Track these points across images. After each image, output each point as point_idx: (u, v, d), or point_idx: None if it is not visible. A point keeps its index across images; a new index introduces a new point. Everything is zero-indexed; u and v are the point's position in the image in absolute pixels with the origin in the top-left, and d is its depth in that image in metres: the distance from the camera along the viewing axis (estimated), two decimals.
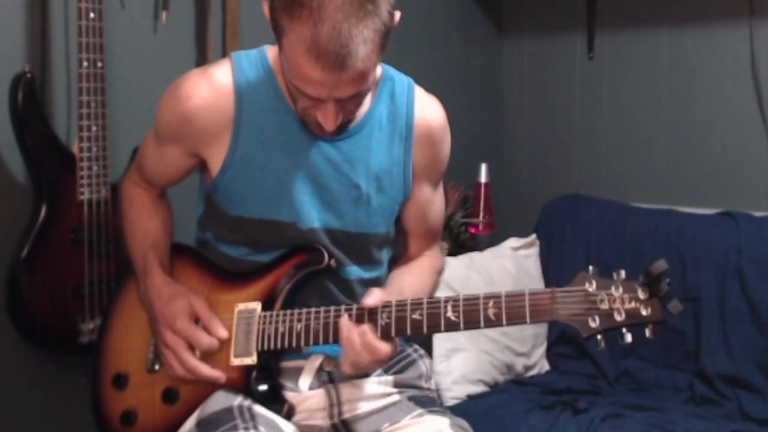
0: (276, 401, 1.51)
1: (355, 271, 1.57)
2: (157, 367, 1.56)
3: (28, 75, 1.93)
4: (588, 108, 3.09)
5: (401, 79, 1.57)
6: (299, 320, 1.47)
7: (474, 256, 2.71)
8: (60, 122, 2.07)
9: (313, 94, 1.36)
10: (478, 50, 3.23)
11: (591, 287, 1.31)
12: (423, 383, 1.64)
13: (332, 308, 1.45)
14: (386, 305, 1.41)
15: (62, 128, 2.07)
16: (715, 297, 2.49)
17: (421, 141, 1.57)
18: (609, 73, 3.03)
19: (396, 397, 1.58)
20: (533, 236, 2.86)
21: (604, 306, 1.30)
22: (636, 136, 2.99)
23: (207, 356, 1.50)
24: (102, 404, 1.61)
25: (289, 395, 1.54)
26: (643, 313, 1.29)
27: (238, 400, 1.48)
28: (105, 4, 1.95)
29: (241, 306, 1.52)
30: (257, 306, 1.51)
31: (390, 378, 1.60)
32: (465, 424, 1.55)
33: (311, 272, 1.52)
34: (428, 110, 1.58)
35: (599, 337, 1.31)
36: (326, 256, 1.51)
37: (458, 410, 1.94)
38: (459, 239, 2.93)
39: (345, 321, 1.42)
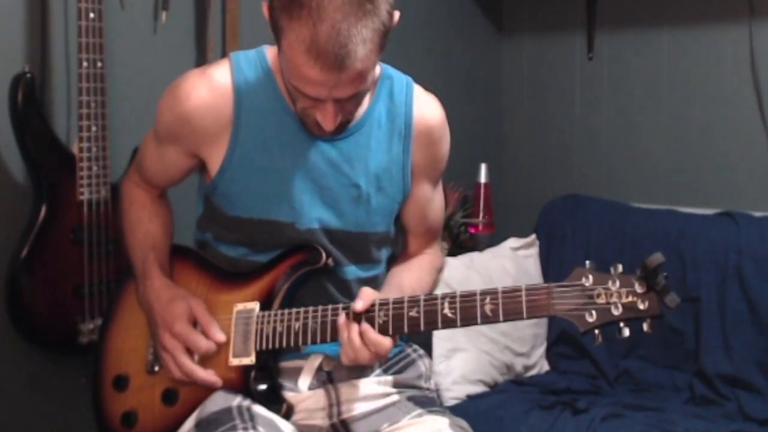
0: (275, 401, 1.51)
1: (353, 271, 1.57)
2: (156, 368, 1.56)
3: (28, 75, 1.93)
4: (588, 108, 3.09)
5: (400, 78, 1.57)
6: (297, 319, 1.47)
7: (474, 256, 2.71)
8: (60, 122, 2.07)
9: (312, 94, 1.36)
10: (478, 50, 3.23)
11: (588, 282, 1.31)
12: (422, 383, 1.64)
13: (330, 307, 1.46)
14: (383, 303, 1.41)
15: (62, 128, 2.07)
16: (715, 297, 2.49)
17: (420, 139, 1.57)
18: (609, 73, 3.03)
19: (395, 397, 1.58)
20: (533, 236, 2.86)
21: (601, 300, 1.30)
22: (636, 136, 2.99)
23: (206, 357, 1.50)
24: (102, 406, 1.61)
25: (288, 395, 1.54)
26: (641, 307, 1.28)
27: (237, 400, 1.48)
28: (105, 4, 1.95)
29: (240, 306, 1.52)
30: (255, 306, 1.51)
31: (389, 378, 1.60)
32: (464, 424, 1.55)
33: (309, 272, 1.52)
34: (427, 108, 1.58)
35: (596, 331, 1.30)
36: (324, 255, 1.51)
37: (458, 410, 1.94)
38: (459, 239, 2.93)
39: (343, 321, 1.42)
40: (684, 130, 2.88)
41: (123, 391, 1.59)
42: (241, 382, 1.50)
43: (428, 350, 2.30)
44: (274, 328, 1.48)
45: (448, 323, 1.37)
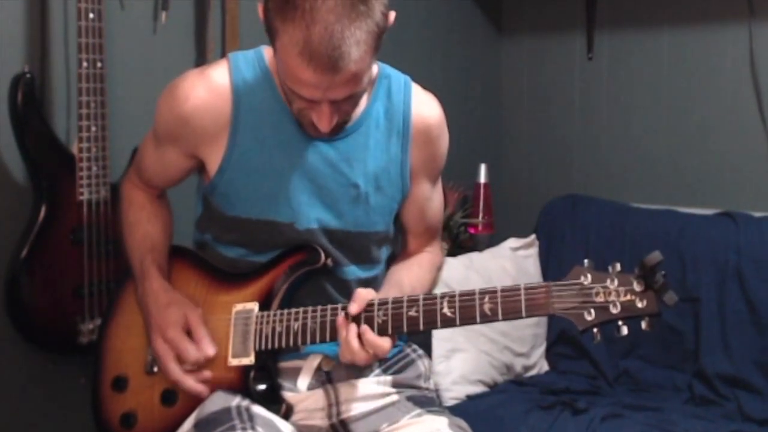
0: (274, 401, 1.51)
1: (352, 271, 1.57)
2: (156, 369, 1.56)
3: (28, 75, 1.93)
4: (587, 108, 3.09)
5: (398, 77, 1.57)
6: (296, 319, 1.47)
7: (473, 256, 2.71)
8: (59, 122, 2.07)
9: (307, 96, 1.36)
10: (477, 50, 3.23)
11: (586, 280, 1.31)
12: (422, 383, 1.64)
13: (329, 307, 1.46)
14: (383, 302, 1.41)
15: (62, 128, 2.07)
16: (715, 297, 2.49)
17: (419, 138, 1.57)
18: (608, 73, 3.03)
19: (394, 397, 1.58)
20: (532, 236, 2.86)
21: (600, 299, 1.30)
22: (635, 136, 2.99)
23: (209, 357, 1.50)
24: (102, 407, 1.61)
25: (288, 395, 1.54)
26: (639, 305, 1.29)
27: (236, 400, 1.48)
28: (104, 4, 1.95)
29: (239, 306, 1.52)
30: (254, 306, 1.51)
31: (389, 378, 1.61)
32: (464, 423, 1.55)
33: (308, 272, 1.52)
34: (425, 107, 1.58)
35: (595, 330, 1.31)
36: (323, 255, 1.51)
37: (457, 411, 1.94)
38: (458, 239, 2.93)
39: (342, 321, 1.42)
40: (684, 131, 2.88)
41: (122, 391, 1.59)
42: (241, 383, 1.50)
43: (428, 350, 2.30)
44: (273, 329, 1.48)
45: (448, 322, 1.38)
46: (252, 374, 1.50)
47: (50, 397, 2.11)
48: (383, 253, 1.63)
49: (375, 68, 1.50)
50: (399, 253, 1.69)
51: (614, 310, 1.29)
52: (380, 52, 1.38)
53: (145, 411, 1.57)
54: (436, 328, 1.40)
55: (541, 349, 2.73)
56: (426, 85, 1.61)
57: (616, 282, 1.30)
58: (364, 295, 1.43)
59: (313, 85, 1.33)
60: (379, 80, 1.54)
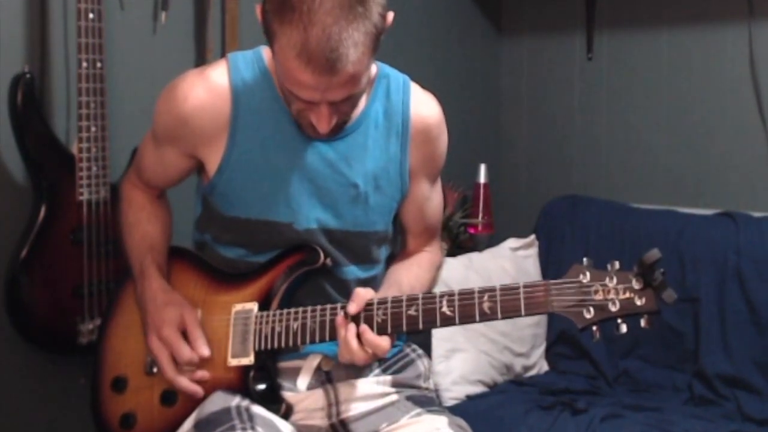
0: (274, 401, 1.51)
1: (352, 271, 1.57)
2: (155, 369, 1.56)
3: (28, 75, 1.93)
4: (587, 108, 3.09)
5: (397, 77, 1.57)
6: (296, 319, 1.47)
7: (473, 256, 2.71)
8: (59, 123, 2.07)
9: (305, 98, 1.36)
10: (477, 51, 3.23)
11: (585, 279, 1.32)
12: (421, 383, 1.64)
13: (328, 306, 1.46)
14: (382, 301, 1.41)
15: (62, 129, 2.07)
16: (714, 298, 2.49)
17: (418, 138, 1.56)
18: (608, 73, 3.03)
19: (394, 397, 1.58)
20: (532, 237, 2.86)
21: (599, 297, 1.30)
22: (635, 136, 2.99)
23: (203, 358, 1.50)
24: (101, 407, 1.61)
25: (287, 395, 1.54)
26: (638, 303, 1.29)
27: (236, 400, 1.48)
28: (104, 4, 1.96)
29: (238, 307, 1.52)
30: (254, 306, 1.51)
31: (388, 378, 1.61)
32: (463, 423, 1.55)
33: (308, 272, 1.52)
34: (424, 107, 1.58)
35: (594, 328, 1.31)
36: (322, 255, 1.51)
37: (457, 411, 1.93)
38: (458, 240, 2.93)
39: (341, 320, 1.42)
40: (683, 131, 2.88)
41: (122, 392, 1.59)
42: (240, 383, 1.50)
43: (427, 350, 2.30)
44: (273, 328, 1.48)
45: (447, 321, 1.38)
46: (251, 374, 1.49)
47: (50, 397, 2.12)
48: (382, 253, 1.63)
49: (374, 68, 1.50)
50: (398, 252, 1.69)
51: (613, 308, 1.30)
52: (380, 52, 1.38)
53: (144, 411, 1.56)
54: (435, 327, 1.41)
55: (541, 350, 2.73)
56: (426, 85, 1.61)
57: (614, 280, 1.31)
58: (363, 295, 1.43)
59: (312, 86, 1.33)
60: (377, 80, 1.54)
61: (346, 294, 1.51)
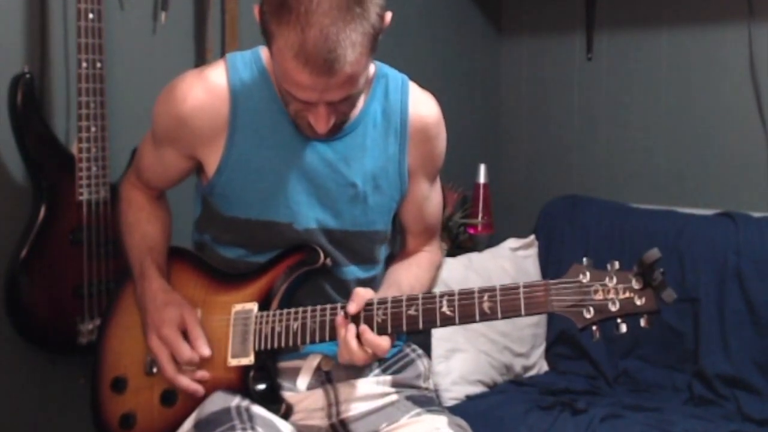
0: (274, 401, 1.51)
1: (351, 272, 1.57)
2: (155, 369, 1.56)
3: (28, 76, 1.93)
4: (587, 109, 3.10)
5: (395, 76, 1.57)
6: (296, 319, 1.47)
7: (473, 256, 2.71)
8: (59, 123, 2.07)
9: (303, 98, 1.36)
10: (477, 51, 3.23)
11: (585, 278, 1.32)
12: (421, 383, 1.64)
13: (328, 306, 1.46)
14: (382, 301, 1.41)
15: (61, 129, 2.07)
16: (714, 298, 2.49)
17: (417, 137, 1.56)
18: (608, 73, 3.04)
19: (394, 397, 1.58)
20: (532, 237, 2.86)
21: (599, 297, 1.31)
22: (635, 136, 2.99)
23: (202, 358, 1.50)
24: (101, 408, 1.61)
25: (287, 395, 1.54)
26: (638, 303, 1.30)
27: (235, 400, 1.48)
28: (104, 4, 1.95)
29: (238, 307, 1.52)
30: (254, 306, 1.51)
31: (388, 378, 1.61)
32: (463, 423, 1.56)
33: (307, 272, 1.52)
34: (422, 106, 1.58)
35: (594, 328, 1.31)
36: (322, 255, 1.51)
37: (457, 411, 1.94)
38: (458, 240, 2.93)
39: (341, 319, 1.42)
40: (683, 131, 2.89)
41: (121, 392, 1.59)
42: (240, 383, 1.50)
43: (427, 350, 2.30)
44: (273, 328, 1.48)
45: (447, 321, 1.38)
46: (251, 374, 1.50)
47: (50, 397, 2.12)
48: (382, 253, 1.63)
49: (372, 68, 1.50)
50: (397, 252, 1.69)
51: (613, 308, 1.30)
52: (379, 51, 1.38)
53: (144, 412, 1.56)
54: (435, 327, 1.41)
55: (541, 350, 2.74)
56: (425, 86, 1.61)
57: (614, 280, 1.31)
58: (362, 295, 1.43)
59: (309, 87, 1.33)
60: (376, 80, 1.54)
61: (346, 294, 1.51)
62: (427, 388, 1.65)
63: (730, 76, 2.76)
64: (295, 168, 1.50)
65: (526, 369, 2.67)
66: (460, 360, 2.48)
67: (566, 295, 1.32)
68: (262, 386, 1.50)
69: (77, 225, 1.98)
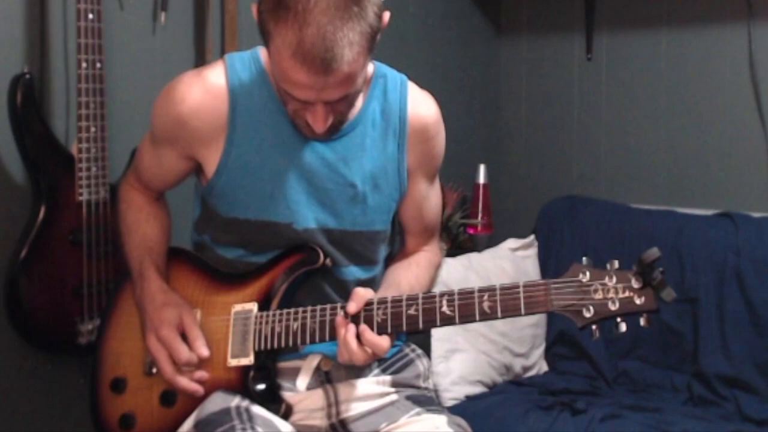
0: (274, 401, 1.51)
1: (351, 272, 1.57)
2: (154, 370, 1.56)
3: (27, 76, 1.93)
4: (586, 109, 3.10)
5: (394, 76, 1.57)
6: (296, 319, 1.47)
7: (472, 256, 2.71)
8: (59, 123, 2.07)
9: (300, 98, 1.36)
10: (476, 51, 3.23)
11: (585, 278, 1.33)
12: (421, 383, 1.64)
13: (328, 306, 1.46)
14: (382, 301, 1.42)
15: (61, 129, 2.07)
16: (714, 298, 2.49)
17: (415, 137, 1.56)
18: (607, 74, 3.04)
19: (394, 397, 1.58)
20: (531, 237, 2.87)
21: (598, 296, 1.31)
22: (634, 137, 2.99)
23: (202, 358, 1.50)
24: (100, 408, 1.61)
25: (287, 395, 1.54)
26: (637, 302, 1.30)
27: (235, 400, 1.48)
28: (104, 5, 1.95)
29: (238, 307, 1.53)
30: (254, 306, 1.51)
31: (388, 378, 1.61)
32: (462, 422, 1.56)
33: (307, 272, 1.52)
34: (421, 106, 1.58)
35: (594, 327, 1.32)
36: (322, 255, 1.51)
37: (457, 411, 1.94)
38: (457, 240, 2.93)
39: (341, 319, 1.42)
40: (682, 131, 2.89)
41: (121, 393, 1.59)
42: (240, 383, 1.50)
43: (427, 351, 2.30)
44: (273, 329, 1.48)
45: (447, 321, 1.38)
46: (251, 374, 1.50)
47: (49, 398, 2.11)
48: (381, 253, 1.63)
49: (370, 68, 1.50)
50: (397, 252, 1.69)
51: (613, 307, 1.31)
52: (379, 51, 1.39)
53: (144, 412, 1.56)
54: (435, 326, 1.41)
55: (540, 350, 2.74)
56: (425, 86, 1.62)
57: (614, 279, 1.31)
58: (362, 295, 1.43)
59: (307, 86, 1.33)
60: (375, 80, 1.54)
61: (346, 294, 1.52)
62: (426, 388, 1.65)
63: (729, 76, 2.76)
64: (295, 168, 1.50)
65: (526, 369, 2.67)
66: (459, 360, 2.48)
67: (566, 295, 1.32)
68: (261, 386, 1.50)
69: (77, 225, 1.98)
